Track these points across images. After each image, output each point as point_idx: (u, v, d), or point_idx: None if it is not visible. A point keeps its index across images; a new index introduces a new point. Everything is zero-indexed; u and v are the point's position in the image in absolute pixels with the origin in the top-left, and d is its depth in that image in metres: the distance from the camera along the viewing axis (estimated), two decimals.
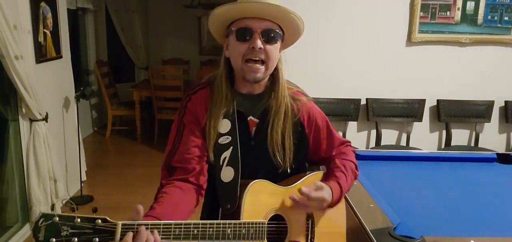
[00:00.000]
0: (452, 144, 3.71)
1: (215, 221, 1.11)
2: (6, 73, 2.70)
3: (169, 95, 5.39)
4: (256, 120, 1.30)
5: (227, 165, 1.25)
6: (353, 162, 1.44)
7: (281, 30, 1.25)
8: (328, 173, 1.40)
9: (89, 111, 5.90)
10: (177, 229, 1.04)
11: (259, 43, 1.19)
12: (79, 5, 5.34)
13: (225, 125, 1.26)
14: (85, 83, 5.65)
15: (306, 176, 1.37)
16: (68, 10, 4.01)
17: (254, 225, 1.18)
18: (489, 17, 3.56)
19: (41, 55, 3.18)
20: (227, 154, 1.25)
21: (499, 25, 3.57)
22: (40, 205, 3.07)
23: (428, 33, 3.56)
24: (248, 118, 1.30)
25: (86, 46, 5.92)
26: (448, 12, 3.55)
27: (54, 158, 3.16)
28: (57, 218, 0.92)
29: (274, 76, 1.30)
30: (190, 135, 1.27)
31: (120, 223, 0.98)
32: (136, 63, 6.83)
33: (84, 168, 4.04)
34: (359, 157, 2.46)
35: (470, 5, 3.54)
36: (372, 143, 3.77)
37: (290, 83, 1.37)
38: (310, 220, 1.33)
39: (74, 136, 3.82)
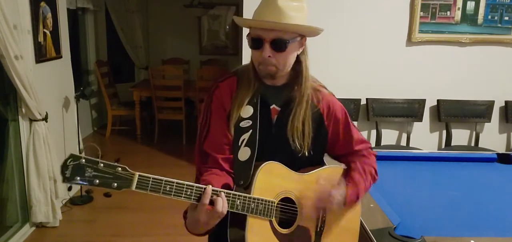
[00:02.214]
0: (452, 144, 3.71)
1: (226, 190, 1.19)
2: (6, 73, 2.70)
3: (169, 95, 5.39)
4: (278, 108, 1.37)
5: (245, 146, 1.31)
6: (373, 167, 1.47)
7: (295, 34, 1.28)
8: (348, 174, 1.42)
9: (89, 111, 5.89)
10: (189, 190, 1.14)
11: (267, 52, 1.26)
12: (79, 5, 5.34)
13: (247, 110, 1.33)
14: (85, 83, 5.64)
15: (321, 168, 1.40)
16: (68, 10, 4.01)
17: (263, 202, 1.24)
18: (489, 17, 3.56)
19: (41, 55, 3.18)
20: (246, 136, 1.32)
21: (499, 25, 3.57)
22: (40, 205, 3.07)
23: (428, 33, 3.56)
24: (271, 107, 1.36)
25: (86, 46, 5.92)
26: (448, 12, 3.54)
27: (54, 158, 3.16)
28: (84, 160, 1.04)
29: (298, 69, 1.36)
30: (218, 122, 1.34)
31: (137, 173, 1.09)
32: (136, 63, 6.83)
33: None
34: None
35: (470, 5, 3.53)
36: (372, 143, 3.77)
37: (312, 77, 1.42)
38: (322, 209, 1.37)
39: (74, 136, 3.82)
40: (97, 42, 6.14)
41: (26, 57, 2.84)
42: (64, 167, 1.03)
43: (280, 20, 1.22)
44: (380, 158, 2.52)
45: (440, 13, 3.54)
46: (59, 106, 3.61)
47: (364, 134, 3.80)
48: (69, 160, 1.04)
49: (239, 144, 1.32)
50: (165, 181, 1.11)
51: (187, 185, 1.13)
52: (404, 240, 1.49)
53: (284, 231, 1.31)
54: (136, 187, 1.08)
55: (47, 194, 3.11)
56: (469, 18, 3.55)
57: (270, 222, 1.28)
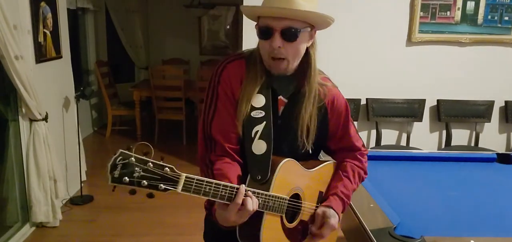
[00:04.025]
0: (452, 144, 3.71)
1: (251, 189, 1.17)
2: (6, 73, 2.70)
3: (169, 95, 5.39)
4: (285, 100, 1.33)
5: (259, 138, 1.28)
6: (363, 169, 1.48)
7: (305, 24, 1.25)
8: (335, 179, 1.45)
9: (89, 111, 5.89)
10: (224, 190, 1.11)
11: (277, 42, 1.21)
12: (79, 5, 5.34)
13: (259, 100, 1.29)
14: (85, 83, 5.64)
15: (321, 165, 1.43)
16: (68, 10, 4.01)
17: (279, 200, 1.25)
18: (489, 17, 3.56)
19: (41, 55, 3.18)
20: (260, 127, 1.28)
21: (499, 25, 3.58)
22: (40, 205, 3.07)
23: (428, 33, 3.56)
24: (279, 97, 1.33)
25: (86, 46, 5.91)
26: (448, 12, 3.55)
27: (54, 158, 3.16)
28: (134, 159, 0.96)
29: (306, 62, 1.32)
30: (226, 108, 1.29)
31: (184, 175, 1.04)
32: (136, 63, 6.82)
33: (84, 168, 4.04)
34: None
35: (470, 5, 3.54)
36: (372, 143, 3.77)
37: (317, 70, 1.40)
38: (319, 204, 1.41)
39: (74, 136, 3.81)
40: (97, 42, 6.14)
41: (26, 57, 2.84)
42: (113, 165, 0.94)
43: (291, 7, 1.18)
44: (380, 158, 2.55)
45: (440, 13, 3.54)
46: (59, 106, 3.61)
47: (364, 134, 3.80)
48: (118, 158, 0.95)
49: (253, 135, 1.27)
50: (206, 182, 1.08)
51: (222, 185, 1.11)
52: (404, 240, 1.49)
53: (290, 225, 1.33)
54: (182, 189, 1.04)
55: (47, 194, 3.11)
56: (469, 18, 3.55)
57: (281, 217, 1.28)
